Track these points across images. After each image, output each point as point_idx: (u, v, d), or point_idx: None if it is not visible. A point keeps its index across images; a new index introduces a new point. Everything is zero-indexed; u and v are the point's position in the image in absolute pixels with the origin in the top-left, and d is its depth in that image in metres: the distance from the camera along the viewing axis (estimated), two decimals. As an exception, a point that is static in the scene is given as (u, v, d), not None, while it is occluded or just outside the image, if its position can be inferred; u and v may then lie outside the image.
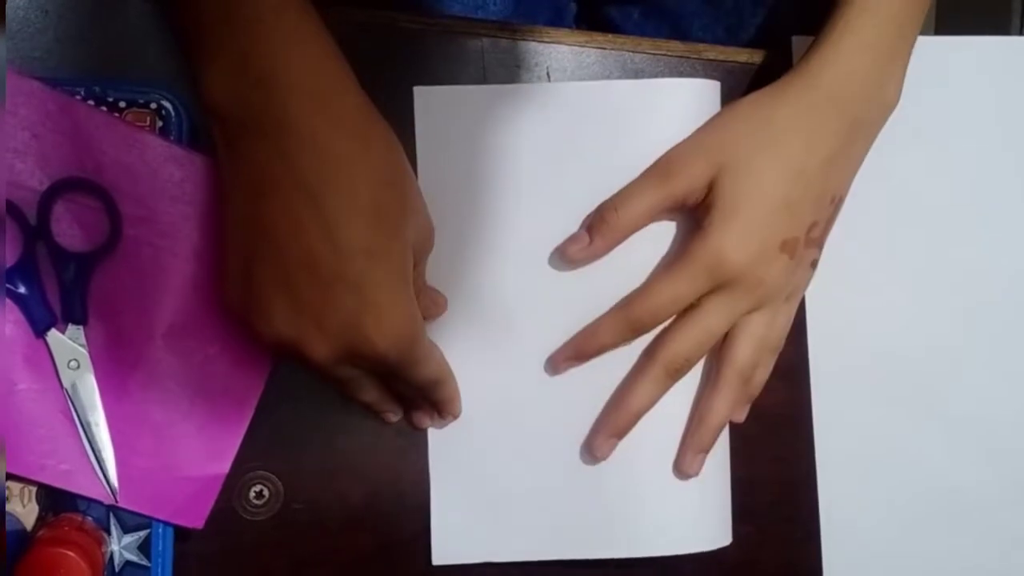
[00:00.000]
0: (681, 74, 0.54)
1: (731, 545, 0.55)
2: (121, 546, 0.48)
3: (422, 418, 0.52)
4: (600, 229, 0.51)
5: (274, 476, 0.51)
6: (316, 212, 0.42)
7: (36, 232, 0.46)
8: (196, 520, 0.48)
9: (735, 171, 0.49)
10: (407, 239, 0.45)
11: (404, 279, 0.45)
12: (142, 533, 0.48)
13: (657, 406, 0.52)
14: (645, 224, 0.51)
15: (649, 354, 0.51)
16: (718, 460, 0.55)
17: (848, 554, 0.59)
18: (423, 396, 0.50)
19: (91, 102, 0.46)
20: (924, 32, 0.56)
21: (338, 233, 0.43)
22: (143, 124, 0.47)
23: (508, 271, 0.52)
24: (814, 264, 0.53)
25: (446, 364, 0.50)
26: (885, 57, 0.50)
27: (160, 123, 0.47)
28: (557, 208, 0.52)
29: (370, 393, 0.50)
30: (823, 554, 0.58)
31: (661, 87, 0.53)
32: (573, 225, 0.52)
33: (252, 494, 0.51)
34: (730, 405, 0.52)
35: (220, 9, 0.42)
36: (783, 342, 0.54)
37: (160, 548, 0.48)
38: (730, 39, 0.66)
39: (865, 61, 0.50)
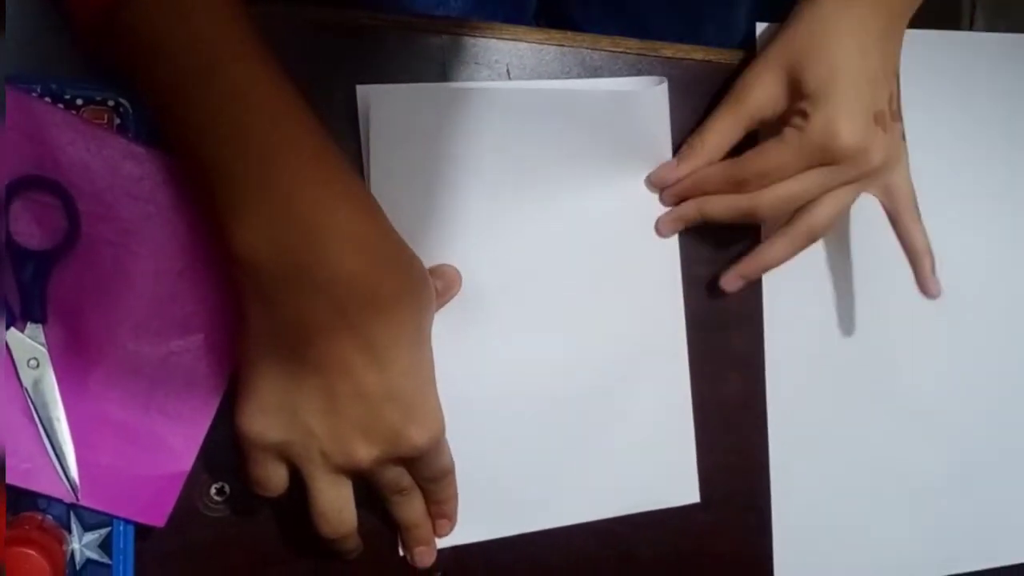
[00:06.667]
0: (639, 71, 0.55)
1: (686, 534, 0.57)
2: (82, 544, 0.48)
3: (424, 554, 0.53)
4: (685, 154, 0.54)
5: (236, 473, 0.51)
6: (368, 350, 0.44)
7: (-7, 230, 0.45)
8: (158, 518, 0.48)
9: (809, 64, 0.52)
10: (430, 336, 0.47)
11: (433, 376, 0.47)
12: (103, 531, 0.48)
13: (631, 379, 0.56)
14: (728, 147, 0.54)
15: (752, 202, 0.53)
16: (684, 423, 0.57)
17: (798, 542, 0.60)
18: (433, 490, 0.51)
19: (48, 99, 0.46)
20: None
21: (388, 363, 0.44)
22: (101, 121, 0.47)
23: (467, 275, 0.52)
24: (903, 136, 0.55)
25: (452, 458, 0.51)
26: None
27: (118, 120, 0.47)
28: (507, 210, 0.53)
29: (416, 504, 0.51)
30: (774, 542, 0.60)
31: (610, 89, 0.54)
32: (524, 227, 0.53)
33: (213, 491, 0.51)
34: (788, 254, 0.56)
35: (257, 163, 0.42)
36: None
37: (121, 546, 0.48)
38: (689, 35, 0.66)
39: None
